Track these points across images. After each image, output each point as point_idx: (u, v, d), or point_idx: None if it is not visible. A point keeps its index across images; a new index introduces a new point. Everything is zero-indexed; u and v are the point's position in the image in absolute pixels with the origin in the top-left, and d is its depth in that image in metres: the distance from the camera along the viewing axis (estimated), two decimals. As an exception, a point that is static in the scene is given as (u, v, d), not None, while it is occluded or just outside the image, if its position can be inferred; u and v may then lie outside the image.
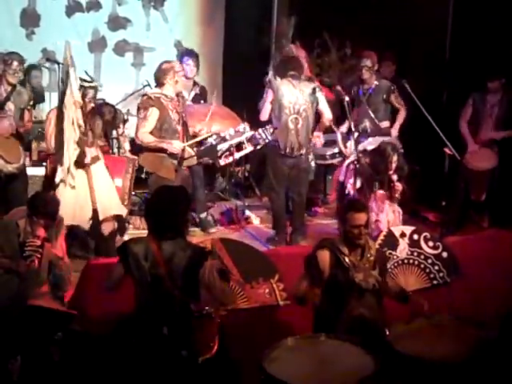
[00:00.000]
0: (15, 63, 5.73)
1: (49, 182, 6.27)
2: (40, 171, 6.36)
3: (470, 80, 6.71)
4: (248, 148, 6.38)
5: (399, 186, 5.71)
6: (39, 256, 4.45)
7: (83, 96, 5.35)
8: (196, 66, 6.88)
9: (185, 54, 7.03)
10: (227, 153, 5.93)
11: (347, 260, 3.87)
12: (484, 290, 5.00)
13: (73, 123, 5.19)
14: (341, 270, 3.86)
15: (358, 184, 5.79)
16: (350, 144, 6.30)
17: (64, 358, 4.27)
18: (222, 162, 5.88)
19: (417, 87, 6.43)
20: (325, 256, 3.88)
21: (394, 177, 5.71)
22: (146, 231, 3.71)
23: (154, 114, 5.51)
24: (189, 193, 3.88)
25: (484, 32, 6.89)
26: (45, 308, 4.19)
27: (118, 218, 5.52)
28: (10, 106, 5.74)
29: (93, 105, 5.48)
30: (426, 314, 3.89)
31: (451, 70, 7.45)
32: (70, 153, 5.25)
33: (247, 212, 6.83)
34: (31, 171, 6.28)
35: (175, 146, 5.54)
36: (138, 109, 5.75)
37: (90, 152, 5.37)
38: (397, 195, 5.70)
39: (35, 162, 6.48)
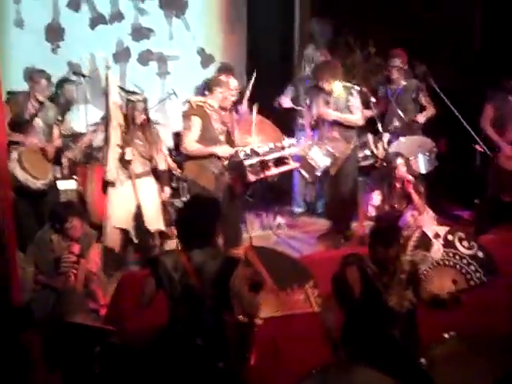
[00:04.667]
0: (43, 81, 5.81)
1: (80, 195, 6.39)
2: (71, 185, 6.42)
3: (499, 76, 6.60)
4: (292, 164, 5.89)
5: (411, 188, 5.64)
6: (75, 272, 4.50)
7: (133, 109, 5.35)
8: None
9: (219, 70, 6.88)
10: (258, 168, 5.48)
11: (378, 282, 3.63)
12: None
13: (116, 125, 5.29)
14: (372, 293, 3.61)
15: (377, 201, 5.75)
16: (381, 145, 6.27)
17: (104, 371, 4.32)
18: (253, 177, 5.46)
19: (444, 83, 6.39)
20: (354, 273, 3.63)
21: (410, 179, 5.64)
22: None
23: (196, 122, 5.45)
24: (219, 202, 3.83)
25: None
26: (82, 325, 4.21)
27: (160, 233, 5.55)
28: (38, 121, 5.80)
29: (144, 116, 5.44)
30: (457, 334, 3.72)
31: (480, 65, 7.33)
32: (115, 153, 5.31)
33: (278, 219, 6.81)
34: (63, 185, 6.33)
35: (224, 150, 5.46)
36: (183, 118, 5.72)
37: (143, 165, 5.41)
38: (418, 201, 5.60)
39: (66, 175, 6.52)
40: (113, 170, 5.32)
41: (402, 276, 3.71)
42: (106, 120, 5.40)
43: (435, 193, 6.35)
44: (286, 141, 5.79)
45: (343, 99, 6.04)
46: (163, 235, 5.54)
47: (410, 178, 5.70)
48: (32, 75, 5.91)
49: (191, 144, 5.46)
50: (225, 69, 6.97)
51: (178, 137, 7.45)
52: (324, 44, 7.47)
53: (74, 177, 6.43)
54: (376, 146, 6.49)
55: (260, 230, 6.60)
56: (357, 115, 6.09)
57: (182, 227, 3.63)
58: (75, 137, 6.76)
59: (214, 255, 3.56)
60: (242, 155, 5.40)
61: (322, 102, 6.07)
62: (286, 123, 6.90)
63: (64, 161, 6.42)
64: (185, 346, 3.59)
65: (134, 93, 5.46)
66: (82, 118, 7.52)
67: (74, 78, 7.58)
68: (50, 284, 4.53)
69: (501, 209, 6.28)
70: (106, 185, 5.44)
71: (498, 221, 6.19)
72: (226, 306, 3.58)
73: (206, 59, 8.26)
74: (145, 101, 5.46)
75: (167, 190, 5.59)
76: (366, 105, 6.40)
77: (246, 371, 3.68)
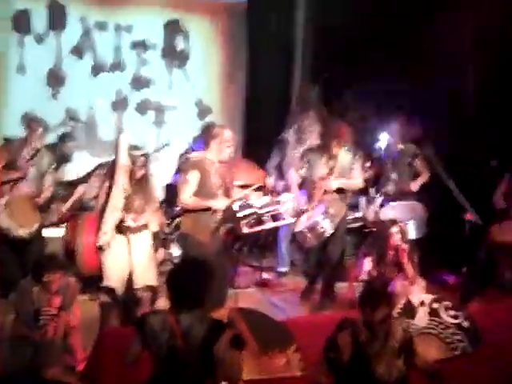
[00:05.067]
0: (40, 129, 5.86)
1: (67, 244, 6.33)
2: (59, 233, 6.38)
3: (496, 139, 6.66)
4: (288, 220, 5.77)
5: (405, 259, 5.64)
6: (54, 325, 4.46)
7: (133, 163, 5.33)
8: None
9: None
10: (253, 221, 5.38)
11: (369, 349, 3.63)
12: (508, 361, 4.85)
13: (121, 189, 5.23)
14: (361, 359, 3.62)
15: (369, 266, 5.75)
16: (373, 208, 6.27)
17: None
18: (246, 229, 5.34)
19: (438, 147, 6.43)
20: (346, 338, 3.65)
21: (404, 248, 5.64)
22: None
23: (194, 177, 5.39)
24: (210, 265, 3.80)
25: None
26: (57, 381, 4.15)
27: (151, 288, 5.43)
28: (31, 169, 5.82)
29: (143, 172, 5.41)
30: None
31: (475, 129, 7.39)
32: (114, 216, 5.26)
33: (264, 275, 6.79)
34: (50, 232, 6.31)
35: (220, 203, 5.38)
36: (179, 171, 5.70)
37: (138, 219, 5.36)
38: (410, 271, 5.60)
39: (54, 223, 6.49)
40: (109, 233, 5.25)
41: (394, 344, 3.71)
42: (109, 182, 5.29)
43: (422, 256, 6.34)
44: (284, 195, 5.75)
45: (348, 164, 5.94)
46: (154, 291, 5.47)
47: (405, 246, 5.67)
48: (30, 123, 5.96)
49: (188, 198, 5.45)
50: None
51: (169, 189, 7.53)
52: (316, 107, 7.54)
53: (63, 225, 6.38)
54: (367, 209, 6.48)
55: (245, 287, 6.53)
56: (358, 179, 6.01)
57: (173, 287, 3.60)
58: (67, 185, 6.74)
59: (201, 318, 3.53)
60: (235, 207, 5.37)
61: (323, 167, 5.97)
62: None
63: (53, 208, 6.39)
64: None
65: (135, 147, 5.44)
66: (76, 164, 7.59)
67: (71, 123, 7.69)
68: (27, 336, 4.47)
69: (488, 278, 6.27)
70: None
71: (484, 289, 6.17)
72: (210, 372, 3.54)
73: (203, 110, 8.36)
74: (146, 156, 5.46)
75: (161, 252, 5.55)
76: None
77: None
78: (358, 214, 6.61)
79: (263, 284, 6.74)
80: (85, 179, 6.64)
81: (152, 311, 3.72)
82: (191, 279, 3.58)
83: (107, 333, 4.74)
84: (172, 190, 7.20)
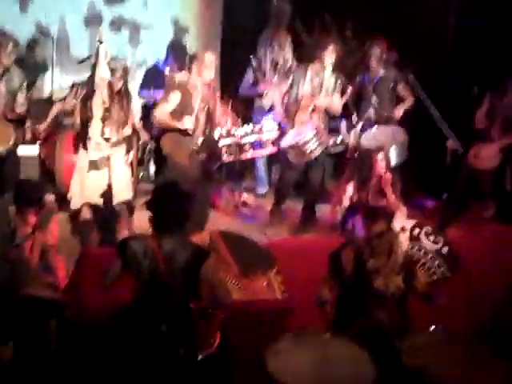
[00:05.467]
0: (10, 45, 5.61)
1: (44, 162, 6.22)
2: (33, 150, 6.23)
3: (475, 70, 6.59)
4: (270, 149, 5.61)
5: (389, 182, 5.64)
6: (30, 244, 4.36)
7: (112, 75, 5.18)
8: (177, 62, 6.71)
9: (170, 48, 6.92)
10: (234, 149, 5.28)
11: (370, 263, 3.76)
12: (484, 287, 4.93)
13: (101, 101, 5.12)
14: (362, 273, 3.76)
15: (351, 192, 5.71)
16: (354, 133, 6.19)
17: (58, 347, 4.22)
18: (228, 158, 5.29)
19: (419, 75, 6.33)
20: (348, 256, 3.80)
21: (388, 177, 5.62)
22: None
23: (175, 97, 5.33)
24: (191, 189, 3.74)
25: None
26: (35, 297, 4.09)
27: (128, 202, 5.44)
28: (0, 87, 5.60)
29: (121, 85, 5.27)
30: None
31: (455, 58, 7.30)
32: (95, 129, 5.15)
33: (245, 196, 6.74)
34: (24, 150, 6.14)
35: (186, 122, 5.32)
36: (164, 90, 5.62)
37: (117, 133, 5.25)
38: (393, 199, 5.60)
39: (28, 141, 6.31)
40: (94, 145, 5.16)
41: (395, 261, 3.82)
42: (87, 93, 5.16)
43: (401, 181, 6.35)
44: (266, 124, 5.57)
45: (334, 81, 5.88)
46: (130, 205, 5.41)
47: (389, 175, 5.66)
48: None
49: (162, 114, 5.37)
50: (176, 47, 6.95)
51: (145, 108, 7.36)
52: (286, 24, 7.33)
53: (37, 143, 6.22)
54: (348, 134, 6.40)
55: (225, 209, 6.50)
56: (339, 106, 5.99)
57: (154, 212, 3.55)
58: (41, 103, 6.53)
59: (184, 244, 3.52)
60: (216, 135, 5.26)
61: (308, 84, 5.88)
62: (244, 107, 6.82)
63: (27, 125, 6.20)
64: (147, 330, 3.55)
65: (114, 59, 5.27)
66: (48, 81, 7.35)
67: (41, 39, 7.38)
68: (2, 255, 4.37)
69: (465, 203, 6.31)
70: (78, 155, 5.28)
71: (460, 214, 6.21)
72: (194, 294, 3.53)
73: (179, 30, 8.06)
74: (125, 69, 5.30)
75: (130, 155, 5.42)
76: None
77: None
78: (339, 139, 6.51)
79: (242, 205, 6.69)
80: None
81: (133, 236, 3.69)
82: (172, 204, 3.54)
83: (88, 253, 4.68)
84: (149, 108, 7.14)
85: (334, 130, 6.57)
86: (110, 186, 5.20)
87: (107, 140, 5.18)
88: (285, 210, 6.30)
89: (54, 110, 6.22)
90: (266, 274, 4.61)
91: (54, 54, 7.37)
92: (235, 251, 4.57)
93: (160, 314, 3.53)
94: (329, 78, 5.96)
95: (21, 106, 5.79)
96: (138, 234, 3.70)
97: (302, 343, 3.57)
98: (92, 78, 5.11)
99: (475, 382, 3.41)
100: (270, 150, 5.59)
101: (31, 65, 7.02)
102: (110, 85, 5.15)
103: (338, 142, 6.49)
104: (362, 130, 6.17)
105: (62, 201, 5.73)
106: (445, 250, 5.04)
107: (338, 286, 3.83)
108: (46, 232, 4.57)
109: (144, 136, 6.64)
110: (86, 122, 5.13)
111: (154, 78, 6.83)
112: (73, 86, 6.31)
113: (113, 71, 5.18)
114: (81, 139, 5.20)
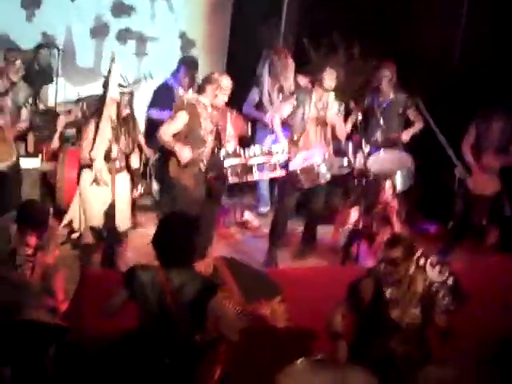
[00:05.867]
0: (18, 62, 5.57)
1: (45, 176, 6.17)
2: (35, 163, 6.18)
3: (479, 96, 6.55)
4: (279, 172, 5.46)
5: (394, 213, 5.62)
6: (31, 266, 4.30)
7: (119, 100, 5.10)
8: (191, 79, 6.62)
9: (182, 62, 6.78)
10: (239, 170, 5.17)
11: (388, 293, 3.76)
12: (486, 320, 4.88)
13: (109, 120, 5.04)
14: (380, 303, 3.76)
15: (355, 217, 5.67)
16: (360, 157, 6.15)
17: (57, 371, 4.16)
18: (232, 179, 5.19)
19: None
20: (368, 285, 3.80)
21: (394, 205, 5.60)
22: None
23: (182, 117, 5.26)
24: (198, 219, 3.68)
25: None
26: (36, 322, 4.02)
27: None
28: (7, 102, 5.55)
29: (128, 111, 5.20)
30: None
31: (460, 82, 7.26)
32: (103, 148, 5.08)
33: (246, 215, 6.69)
34: (26, 163, 6.10)
35: (184, 153, 5.25)
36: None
37: (123, 158, 5.19)
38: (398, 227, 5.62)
39: (31, 153, 6.26)
40: (100, 164, 5.09)
41: (415, 293, 3.83)
42: (96, 112, 5.08)
43: (405, 204, 6.33)
44: (276, 146, 5.49)
45: (335, 111, 5.83)
46: (126, 234, 5.36)
47: (395, 203, 5.63)
48: (7, 54, 5.65)
49: (166, 134, 5.30)
50: (188, 61, 6.80)
51: (150, 124, 7.30)
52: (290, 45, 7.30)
53: (39, 156, 6.18)
54: (355, 156, 6.36)
55: (226, 227, 6.47)
56: (343, 131, 5.94)
57: (161, 247, 3.49)
58: (46, 115, 6.51)
59: (193, 277, 3.47)
60: (221, 155, 5.20)
61: (312, 108, 5.81)
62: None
63: (30, 138, 6.15)
64: (150, 361, 3.49)
65: (120, 85, 5.18)
66: (52, 92, 7.29)
67: (46, 49, 7.32)
68: (4, 275, 4.30)
69: (466, 229, 6.27)
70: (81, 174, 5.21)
71: (461, 239, 6.19)
72: (200, 328, 3.48)
73: (186, 43, 8.04)
74: (131, 94, 5.22)
75: (140, 187, 5.38)
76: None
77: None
78: (345, 161, 6.46)
79: (243, 225, 6.68)
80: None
81: (141, 265, 3.58)
82: (179, 237, 3.46)
83: (89, 275, 4.62)
84: (153, 124, 7.08)
85: (339, 152, 6.55)
86: (113, 209, 5.12)
87: (114, 160, 5.09)
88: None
89: (60, 123, 6.16)
90: (269, 301, 4.56)
91: (60, 65, 7.35)
92: (239, 278, 4.53)
93: (164, 346, 3.48)
94: (332, 103, 5.88)
95: (24, 122, 5.73)
96: (146, 264, 3.61)
97: (316, 368, 3.59)
98: (103, 97, 5.02)
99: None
100: (279, 173, 5.47)
101: (35, 75, 6.97)
102: (119, 106, 5.06)
103: (345, 164, 6.47)
104: (369, 153, 6.14)
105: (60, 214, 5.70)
106: (450, 281, 4.97)
107: (354, 315, 3.83)
108: (47, 253, 4.50)
109: (148, 152, 6.59)
110: (92, 143, 5.04)
111: (164, 97, 6.65)
112: (78, 100, 6.27)
113: (121, 96, 5.08)
114: (85, 160, 5.11)
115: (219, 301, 3.45)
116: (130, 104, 5.20)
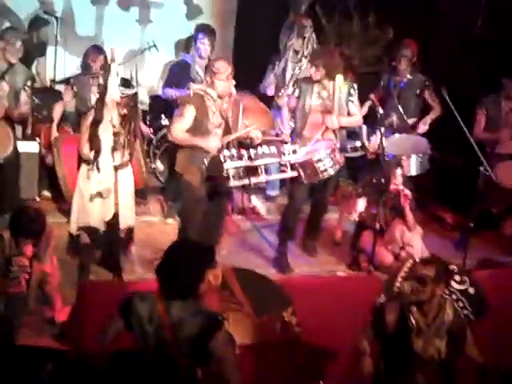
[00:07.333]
0: (18, 43, 5.19)
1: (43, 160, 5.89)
2: (34, 147, 5.87)
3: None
4: (289, 173, 5.05)
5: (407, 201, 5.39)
6: (27, 277, 4.03)
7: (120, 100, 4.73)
8: (211, 46, 6.20)
9: (200, 30, 6.31)
10: (242, 172, 4.77)
11: (413, 319, 3.48)
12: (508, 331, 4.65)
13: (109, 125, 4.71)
14: (404, 330, 3.47)
15: (362, 207, 5.48)
16: (375, 139, 5.83)
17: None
18: (234, 183, 4.80)
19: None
20: (392, 310, 3.52)
21: (407, 194, 5.33)
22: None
23: (190, 112, 4.89)
24: (208, 248, 3.37)
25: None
26: (34, 348, 3.80)
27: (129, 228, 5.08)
28: (3, 85, 5.21)
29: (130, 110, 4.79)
30: None
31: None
32: (102, 158, 4.77)
33: (254, 200, 6.41)
34: (24, 147, 5.79)
35: (211, 143, 4.88)
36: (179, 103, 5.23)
37: (122, 155, 4.84)
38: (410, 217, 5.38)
39: (29, 136, 5.93)
40: (101, 175, 4.78)
41: (441, 324, 3.57)
42: (96, 117, 4.68)
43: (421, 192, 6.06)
44: (287, 146, 5.04)
45: (344, 96, 5.39)
46: (131, 230, 5.07)
47: (408, 192, 5.35)
48: (5, 34, 5.28)
49: (178, 132, 4.93)
50: (204, 28, 6.35)
51: (154, 100, 6.96)
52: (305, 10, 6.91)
53: (37, 139, 5.87)
54: (368, 139, 6.03)
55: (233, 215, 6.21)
56: (357, 116, 5.53)
57: (163, 279, 3.18)
58: (45, 93, 6.23)
59: (194, 311, 3.15)
60: (222, 156, 4.80)
61: (315, 97, 5.39)
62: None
63: (28, 121, 5.82)
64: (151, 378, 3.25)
65: (125, 86, 4.78)
66: (51, 62, 6.93)
67: (45, 17, 6.93)
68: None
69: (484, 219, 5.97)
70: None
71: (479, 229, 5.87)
72: (202, 362, 3.22)
73: (192, 10, 7.57)
74: (135, 95, 4.84)
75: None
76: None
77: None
78: (358, 143, 6.10)
79: (252, 211, 6.42)
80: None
81: (139, 294, 3.27)
82: (182, 270, 3.15)
83: (87, 285, 4.37)
84: (158, 101, 6.72)
85: (353, 134, 6.20)
86: (116, 213, 4.83)
87: (116, 168, 4.78)
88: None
89: (56, 113, 5.79)
90: (280, 314, 4.31)
91: (58, 33, 6.95)
92: (248, 289, 4.26)
93: (164, 379, 3.24)
94: (341, 87, 5.36)
95: (24, 106, 5.40)
96: (145, 294, 3.31)
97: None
98: (101, 100, 4.64)
99: None
100: (290, 174, 5.09)
101: (33, 44, 6.60)
102: (119, 107, 4.69)
103: (358, 146, 6.13)
104: (384, 136, 5.79)
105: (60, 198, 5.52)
106: (471, 290, 4.72)
107: (378, 340, 3.58)
108: (43, 260, 4.25)
109: (145, 130, 6.33)
110: (93, 152, 4.70)
111: (180, 74, 6.16)
112: (68, 81, 5.92)
113: (122, 97, 4.70)
114: (84, 156, 4.78)
115: (222, 340, 3.13)
116: (135, 103, 4.80)
